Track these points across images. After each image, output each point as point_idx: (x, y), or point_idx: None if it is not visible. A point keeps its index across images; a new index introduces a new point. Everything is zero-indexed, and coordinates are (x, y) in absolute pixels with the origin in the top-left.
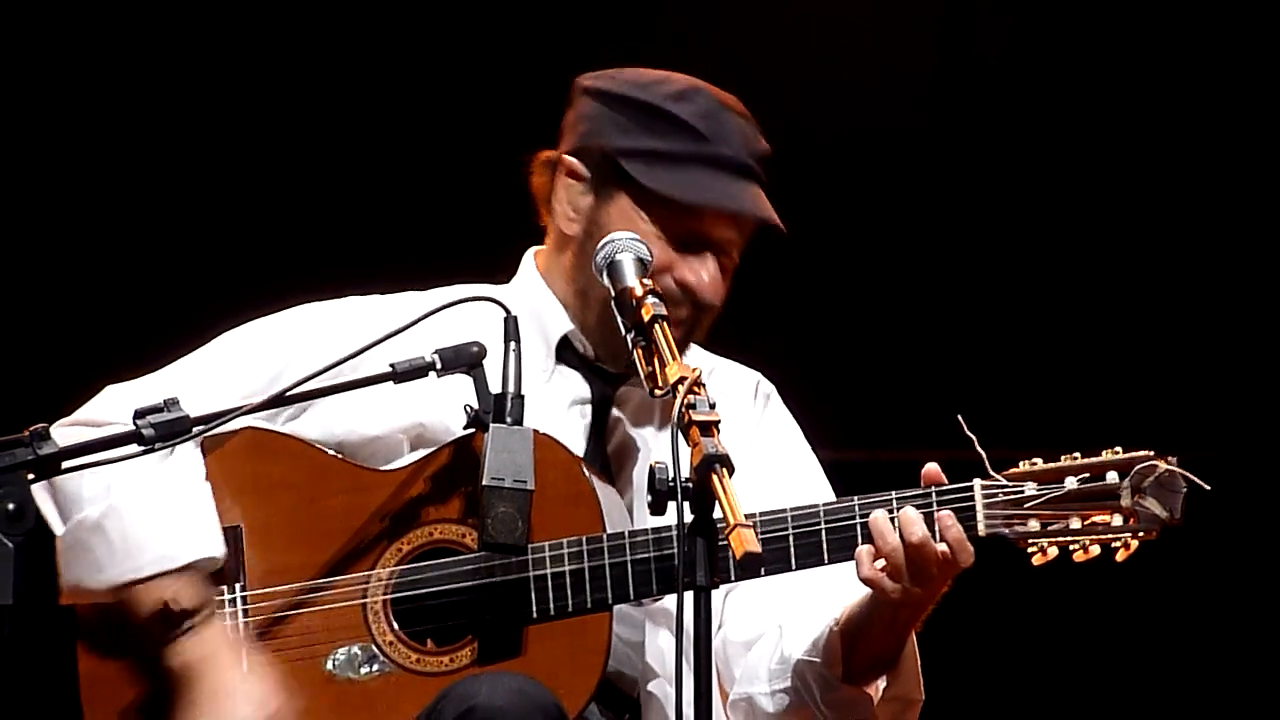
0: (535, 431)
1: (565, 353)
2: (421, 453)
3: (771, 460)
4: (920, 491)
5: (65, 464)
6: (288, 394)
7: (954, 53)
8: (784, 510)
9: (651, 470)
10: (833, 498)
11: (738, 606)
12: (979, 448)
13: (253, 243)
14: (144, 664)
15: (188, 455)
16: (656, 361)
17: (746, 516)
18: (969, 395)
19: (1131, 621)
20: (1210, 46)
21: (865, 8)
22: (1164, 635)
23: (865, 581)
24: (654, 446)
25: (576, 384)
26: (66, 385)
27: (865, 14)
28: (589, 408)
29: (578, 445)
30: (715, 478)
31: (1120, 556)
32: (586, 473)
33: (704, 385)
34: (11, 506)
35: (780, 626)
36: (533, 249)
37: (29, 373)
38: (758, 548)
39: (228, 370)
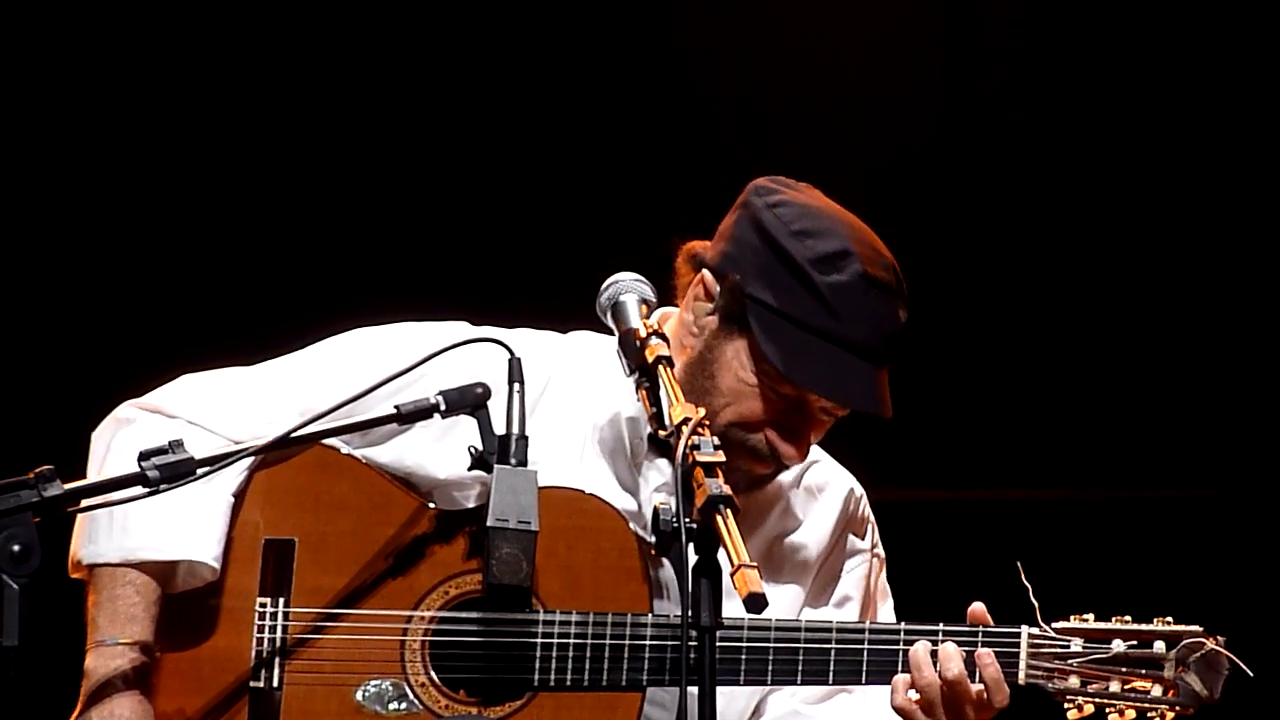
0: (597, 497)
1: (659, 444)
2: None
3: (846, 577)
4: (967, 629)
5: (69, 508)
6: (293, 435)
7: (958, 70)
8: (830, 623)
9: (655, 511)
10: (889, 615)
11: (776, 708)
12: (1032, 598)
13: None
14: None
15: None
16: (663, 402)
17: (792, 624)
18: (975, 428)
19: None
20: (1214, 52)
21: (870, 17)
22: None
23: (897, 710)
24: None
25: (668, 474)
26: (82, 395)
27: (870, 23)
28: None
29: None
30: (720, 519)
31: None
32: (640, 547)
33: (707, 426)
34: (17, 548)
35: None
36: (665, 312)
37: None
38: (761, 589)
39: (303, 386)
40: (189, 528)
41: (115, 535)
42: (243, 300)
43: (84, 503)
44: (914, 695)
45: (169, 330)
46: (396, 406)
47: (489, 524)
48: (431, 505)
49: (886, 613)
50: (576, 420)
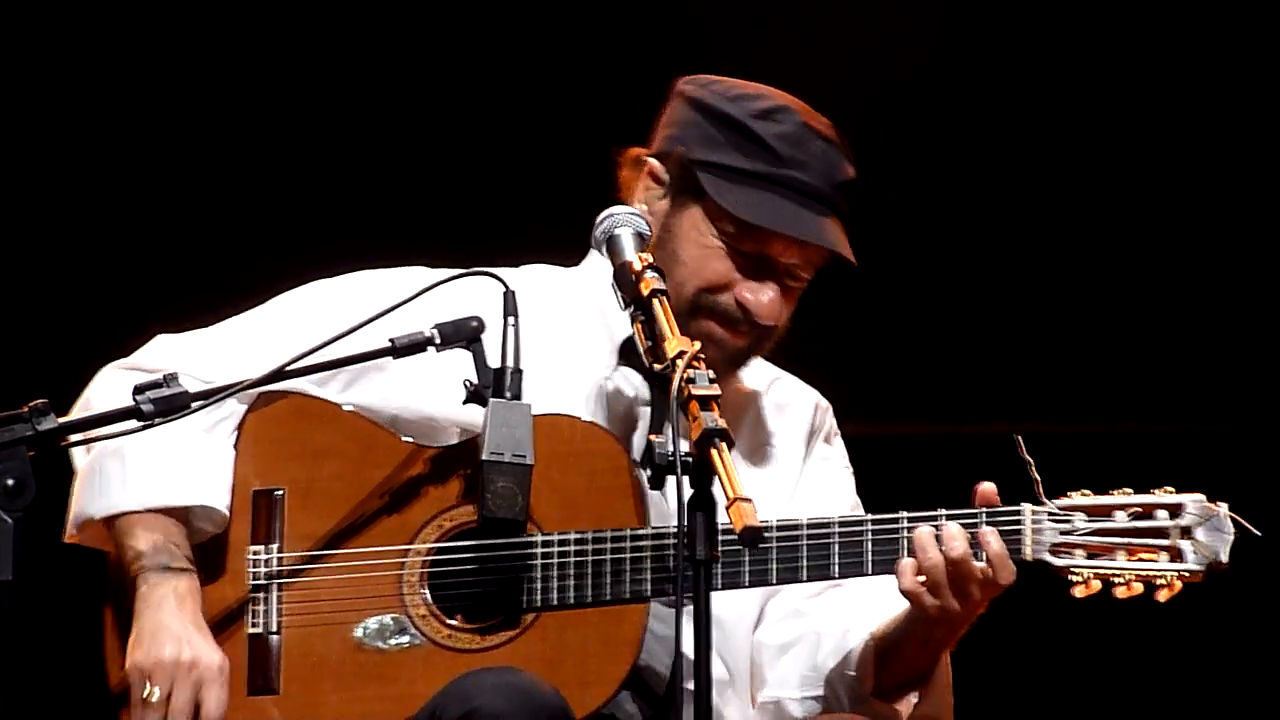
0: (585, 421)
1: (629, 353)
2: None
3: (819, 481)
4: (969, 511)
5: (63, 443)
6: (286, 369)
7: (956, 48)
8: (831, 519)
9: (649, 444)
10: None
11: (776, 610)
12: (1034, 472)
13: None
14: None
15: (227, 414)
16: (656, 336)
17: (792, 523)
18: (984, 368)
19: (1159, 652)
20: (1202, 45)
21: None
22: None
23: (905, 594)
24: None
25: (638, 385)
26: (69, 362)
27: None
28: (649, 409)
29: (634, 444)
30: (715, 452)
31: (1162, 596)
32: (631, 466)
33: (702, 359)
34: (11, 482)
35: (818, 634)
36: None
37: (36, 349)
38: (757, 521)
39: (276, 332)
40: (201, 474)
41: (130, 486)
42: (208, 260)
43: (76, 437)
44: (920, 578)
45: (137, 292)
46: (391, 340)
47: (484, 458)
48: (421, 444)
49: (856, 505)
50: (557, 348)
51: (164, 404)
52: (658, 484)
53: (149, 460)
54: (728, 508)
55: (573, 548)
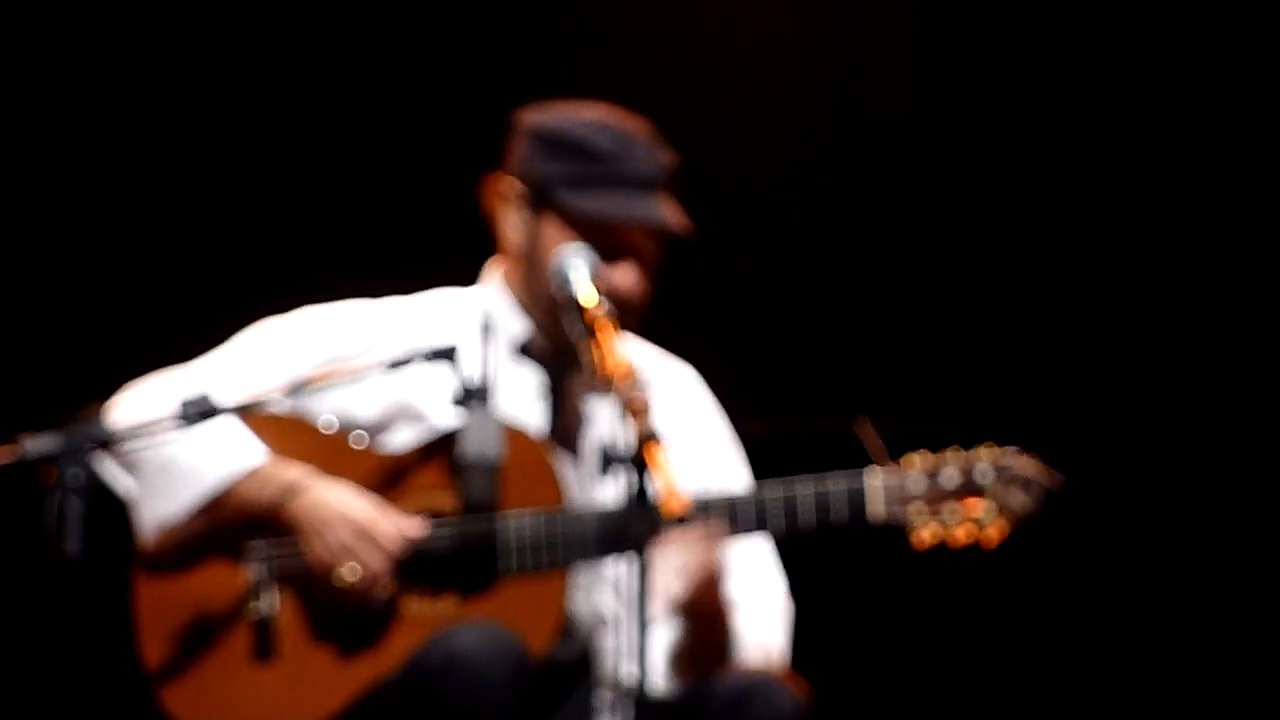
0: (504, 421)
1: (526, 350)
2: (413, 439)
3: (696, 444)
4: (817, 476)
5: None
6: (299, 389)
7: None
8: (728, 494)
9: (603, 449)
10: (745, 477)
11: None
12: (874, 440)
13: (239, 250)
14: (215, 575)
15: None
16: (604, 354)
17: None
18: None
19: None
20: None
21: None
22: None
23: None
24: (597, 420)
25: (537, 375)
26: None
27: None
28: (550, 396)
29: (541, 428)
30: (649, 451)
31: (989, 543)
32: (549, 456)
33: (636, 375)
34: (80, 481)
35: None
36: (494, 258)
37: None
38: (686, 507)
39: (248, 366)
40: (247, 442)
41: (191, 479)
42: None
43: (127, 441)
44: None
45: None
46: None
47: (462, 457)
48: (378, 451)
49: (735, 459)
50: (474, 355)
51: (201, 407)
52: (604, 472)
53: (201, 450)
54: (661, 499)
55: (527, 524)
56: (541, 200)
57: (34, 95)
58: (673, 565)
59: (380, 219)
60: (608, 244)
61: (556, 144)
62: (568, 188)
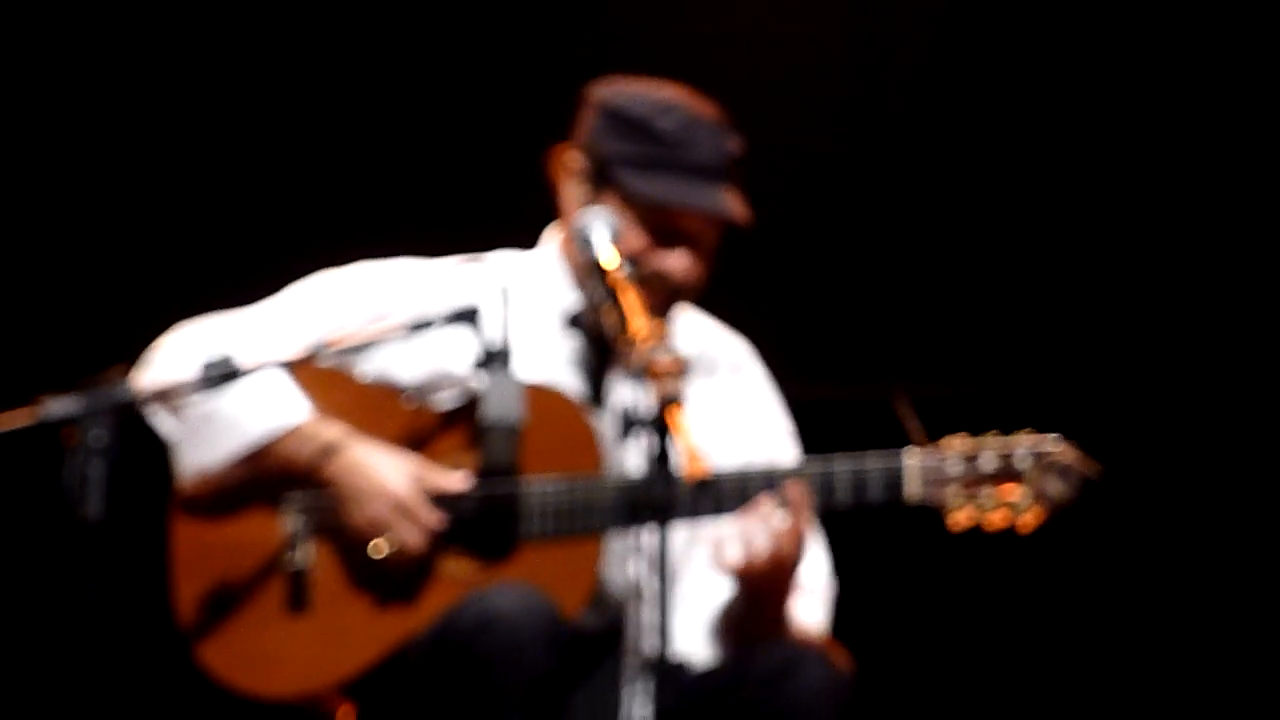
0: (546, 386)
1: (575, 321)
2: (451, 401)
3: (746, 418)
4: (856, 455)
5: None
6: (330, 350)
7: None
8: (757, 466)
9: (624, 412)
10: (794, 453)
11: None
12: (913, 420)
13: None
14: (257, 522)
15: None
16: (625, 316)
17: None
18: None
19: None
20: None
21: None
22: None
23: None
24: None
25: (584, 348)
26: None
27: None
28: (594, 366)
29: (585, 396)
30: (671, 414)
31: (1025, 528)
32: (588, 420)
33: (663, 336)
34: (104, 444)
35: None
36: (553, 224)
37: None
38: (707, 474)
39: (293, 317)
40: (286, 393)
41: (234, 430)
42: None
43: (154, 401)
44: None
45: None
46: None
47: (484, 419)
48: (420, 408)
49: (786, 438)
50: (521, 320)
51: (225, 368)
52: (626, 436)
53: (248, 401)
54: (683, 462)
55: (550, 489)
56: (603, 178)
57: (85, 56)
58: (740, 531)
59: (452, 178)
60: (666, 228)
61: (623, 122)
62: (629, 168)
